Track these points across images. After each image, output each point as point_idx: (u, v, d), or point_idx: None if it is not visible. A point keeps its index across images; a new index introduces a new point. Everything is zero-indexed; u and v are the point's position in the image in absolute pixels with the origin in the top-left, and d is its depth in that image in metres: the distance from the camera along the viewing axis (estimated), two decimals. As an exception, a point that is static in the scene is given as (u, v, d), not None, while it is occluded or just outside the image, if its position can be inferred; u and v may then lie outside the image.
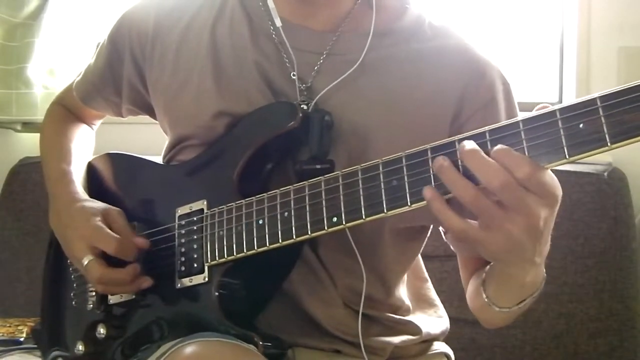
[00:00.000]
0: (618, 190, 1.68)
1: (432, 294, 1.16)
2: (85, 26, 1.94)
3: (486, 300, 0.89)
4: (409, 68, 0.96)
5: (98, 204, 1.01)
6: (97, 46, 1.15)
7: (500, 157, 0.69)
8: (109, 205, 1.01)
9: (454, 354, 1.13)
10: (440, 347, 1.12)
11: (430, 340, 1.10)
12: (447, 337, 1.13)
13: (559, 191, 0.72)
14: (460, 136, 0.73)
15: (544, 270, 0.84)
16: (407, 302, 1.08)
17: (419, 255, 1.14)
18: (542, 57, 2.02)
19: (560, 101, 1.98)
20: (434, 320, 1.11)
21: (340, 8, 0.99)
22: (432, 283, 1.18)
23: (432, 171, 0.74)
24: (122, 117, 1.18)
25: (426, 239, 1.07)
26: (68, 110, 1.23)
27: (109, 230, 0.95)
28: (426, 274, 1.18)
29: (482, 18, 2.02)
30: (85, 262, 0.95)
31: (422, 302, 1.14)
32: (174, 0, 1.06)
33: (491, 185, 0.69)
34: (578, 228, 1.66)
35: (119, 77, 1.09)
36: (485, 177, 0.70)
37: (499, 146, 0.70)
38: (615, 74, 1.83)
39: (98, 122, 1.27)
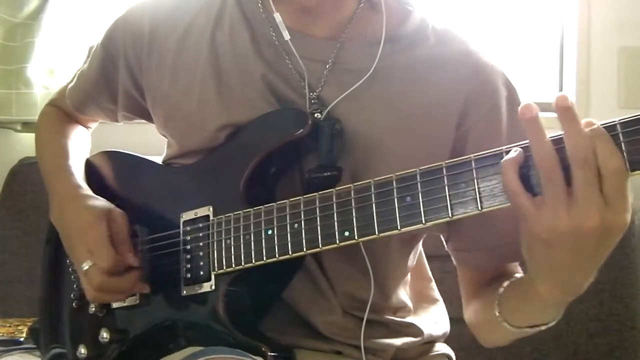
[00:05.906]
0: (618, 190, 1.68)
1: (436, 293, 1.16)
2: (85, 26, 1.93)
3: (497, 315, 0.88)
4: (413, 75, 0.95)
5: (102, 204, 1.00)
6: (89, 50, 1.13)
7: (598, 135, 0.65)
8: (113, 207, 0.99)
9: (455, 354, 1.13)
10: (441, 348, 1.12)
11: (432, 341, 1.10)
12: (447, 337, 1.14)
13: (626, 218, 0.66)
14: (477, 155, 0.72)
15: (564, 310, 0.83)
16: (409, 303, 1.08)
17: (423, 255, 1.14)
18: (542, 57, 2.02)
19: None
20: (435, 321, 1.11)
21: (342, 14, 0.97)
22: (432, 283, 1.18)
23: (447, 190, 0.72)
24: (118, 122, 1.16)
25: (423, 236, 1.07)
26: (63, 112, 1.21)
27: (110, 247, 0.94)
28: (430, 274, 1.17)
29: (482, 18, 2.02)
30: (86, 267, 0.94)
31: (425, 302, 1.13)
32: (169, 6, 1.03)
33: (573, 151, 0.65)
34: (578, 228, 1.66)
35: (114, 85, 1.07)
36: (572, 140, 0.65)
37: (602, 129, 0.65)
38: (615, 74, 1.82)
39: (94, 125, 1.25)
